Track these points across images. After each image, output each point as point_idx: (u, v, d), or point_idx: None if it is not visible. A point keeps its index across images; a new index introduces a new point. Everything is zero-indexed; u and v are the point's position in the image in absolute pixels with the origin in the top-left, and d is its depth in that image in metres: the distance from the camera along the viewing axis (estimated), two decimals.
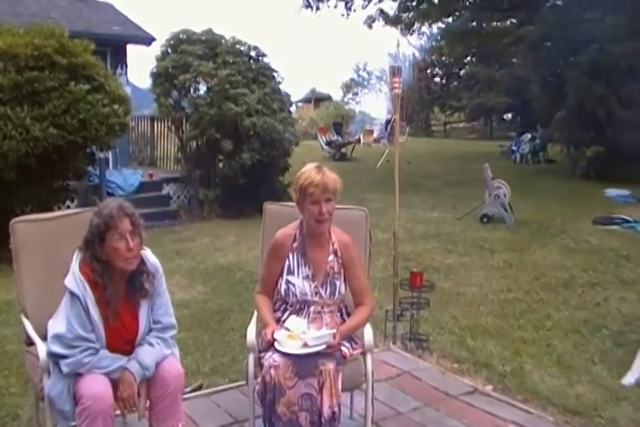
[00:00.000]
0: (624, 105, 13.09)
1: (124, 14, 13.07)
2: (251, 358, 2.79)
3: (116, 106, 7.28)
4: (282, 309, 2.92)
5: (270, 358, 2.61)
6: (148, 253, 2.68)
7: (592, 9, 13.94)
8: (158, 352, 2.60)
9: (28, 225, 3.02)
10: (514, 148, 19.74)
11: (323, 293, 2.86)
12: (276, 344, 2.65)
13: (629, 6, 13.52)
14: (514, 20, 20.60)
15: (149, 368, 2.54)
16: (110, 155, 10.38)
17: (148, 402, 2.59)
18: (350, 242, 2.94)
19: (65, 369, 2.46)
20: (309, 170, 2.82)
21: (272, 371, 2.55)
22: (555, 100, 15.94)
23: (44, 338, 2.63)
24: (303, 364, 2.57)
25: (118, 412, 2.57)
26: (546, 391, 3.71)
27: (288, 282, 2.87)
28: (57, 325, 2.52)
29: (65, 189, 7.77)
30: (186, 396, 3.17)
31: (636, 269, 6.67)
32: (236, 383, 3.68)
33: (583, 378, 3.93)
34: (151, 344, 2.60)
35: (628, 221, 9.06)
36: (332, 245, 2.91)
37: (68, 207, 8.21)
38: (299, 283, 2.85)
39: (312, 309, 2.86)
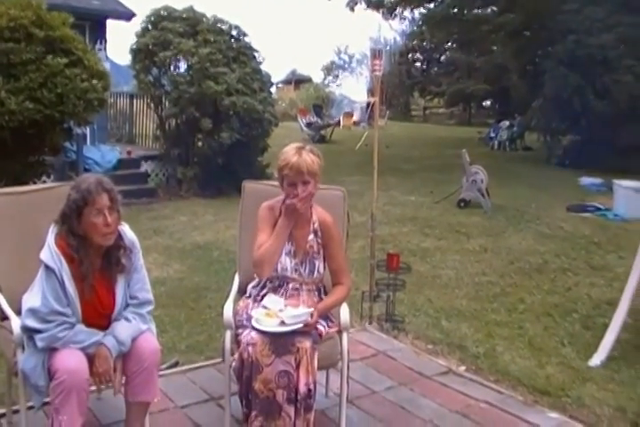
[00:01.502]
0: (599, 96, 13.22)
1: None
2: (227, 334, 2.80)
3: (94, 81, 7.19)
4: (260, 285, 2.92)
5: (248, 335, 2.61)
6: (125, 229, 2.66)
7: (570, 0, 14.03)
8: (135, 327, 2.59)
9: (2, 198, 2.99)
10: (492, 134, 19.86)
11: (302, 270, 2.86)
12: (253, 322, 2.65)
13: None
14: (494, 8, 20.61)
15: (126, 343, 2.54)
16: (88, 131, 10.23)
17: (123, 377, 2.59)
18: (331, 221, 2.94)
19: (40, 344, 2.44)
20: (288, 150, 2.80)
21: (250, 348, 2.56)
22: (532, 89, 16.12)
23: (18, 313, 2.61)
24: (280, 341, 2.58)
25: (94, 387, 2.58)
26: (517, 372, 3.78)
27: None
28: (32, 299, 2.49)
29: (41, 163, 7.67)
30: (161, 373, 3.17)
31: (605, 255, 6.79)
32: (212, 361, 3.70)
33: (553, 360, 4.01)
34: (128, 319, 2.60)
35: (599, 209, 9.20)
36: (313, 224, 2.91)
37: (44, 183, 8.12)
38: (281, 258, 2.84)
39: (290, 286, 2.86)
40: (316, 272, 2.89)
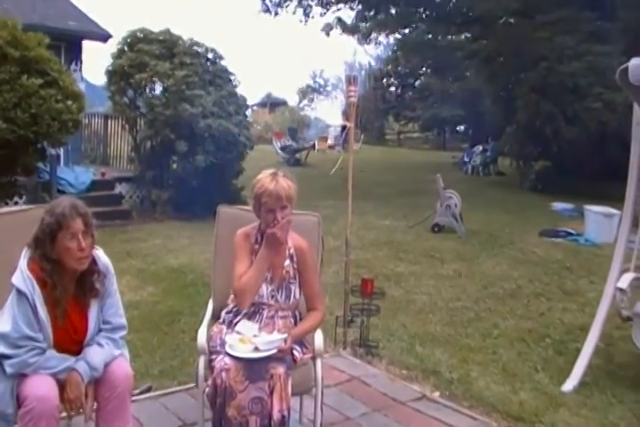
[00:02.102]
0: (570, 122, 13.46)
1: (81, 9, 12.84)
2: (201, 360, 2.77)
3: (69, 102, 7.18)
4: (235, 311, 2.90)
5: (222, 360, 2.60)
6: (99, 253, 2.64)
7: (542, 29, 14.34)
8: (107, 353, 2.56)
9: None
10: (466, 159, 20.06)
11: (278, 296, 2.87)
12: (227, 348, 2.64)
13: (577, 29, 13.96)
14: (468, 35, 20.99)
15: (98, 369, 2.50)
16: (62, 151, 10.17)
17: (95, 404, 2.55)
18: (306, 248, 2.96)
19: (9, 370, 2.39)
20: (264, 177, 2.81)
21: (223, 374, 2.54)
22: (506, 115, 16.32)
23: None
24: (254, 367, 2.57)
25: (64, 414, 2.52)
26: (491, 398, 3.79)
27: None
28: (2, 324, 2.44)
29: (13, 184, 7.61)
30: (134, 398, 3.11)
31: (577, 280, 6.88)
32: (186, 386, 3.66)
33: (526, 385, 4.03)
34: (100, 345, 2.56)
35: (571, 234, 9.31)
36: (289, 250, 2.92)
37: (16, 203, 8.05)
38: None
39: (265, 313, 2.85)
40: (292, 298, 2.89)
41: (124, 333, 2.70)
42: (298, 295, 2.91)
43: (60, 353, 2.48)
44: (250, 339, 2.65)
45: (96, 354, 2.52)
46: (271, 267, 2.87)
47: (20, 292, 2.42)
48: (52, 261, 2.46)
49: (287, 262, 2.91)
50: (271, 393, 2.56)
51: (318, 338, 2.92)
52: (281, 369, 2.60)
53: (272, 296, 2.86)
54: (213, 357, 2.69)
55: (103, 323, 2.62)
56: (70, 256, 2.45)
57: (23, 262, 2.48)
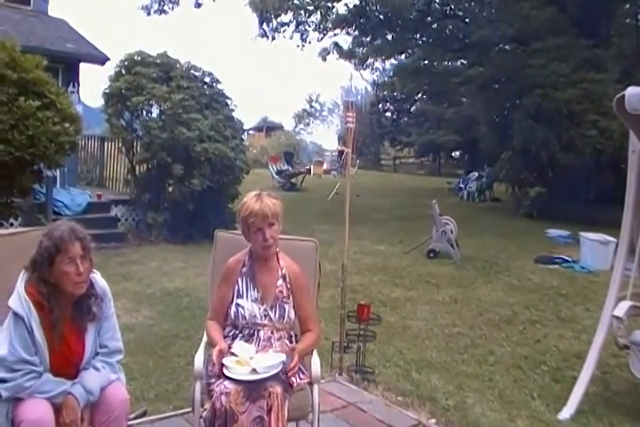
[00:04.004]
0: (565, 149, 13.55)
1: (79, 32, 12.94)
2: (197, 385, 2.76)
3: (66, 124, 7.19)
4: (232, 335, 2.90)
5: (221, 384, 2.59)
6: (97, 277, 2.63)
7: (537, 55, 14.53)
8: (104, 377, 2.55)
9: None
10: (461, 185, 20.15)
11: (272, 315, 2.89)
12: (225, 370, 2.63)
13: (572, 56, 14.15)
14: (464, 61, 21.23)
15: (94, 393, 2.48)
16: (58, 173, 10.17)
17: None
18: (299, 271, 3.00)
19: (4, 393, 2.37)
20: (248, 199, 2.90)
21: (223, 398, 2.53)
22: (501, 141, 16.44)
23: None
24: (253, 387, 2.58)
25: None
26: (487, 425, 3.77)
27: (237, 305, 2.89)
28: None
29: (9, 205, 7.58)
30: (129, 422, 3.08)
31: (573, 307, 6.86)
32: (181, 411, 3.63)
33: (523, 413, 4.00)
34: (97, 369, 2.55)
35: (567, 261, 9.32)
36: (281, 270, 2.97)
37: (12, 225, 8.03)
38: (247, 305, 2.88)
39: (262, 334, 2.86)
40: (286, 317, 2.91)
41: (120, 357, 2.69)
42: (292, 316, 2.94)
43: (56, 377, 2.46)
44: (247, 361, 2.65)
45: (92, 378, 2.51)
46: (262, 287, 2.92)
47: (16, 315, 2.41)
48: (50, 285, 2.45)
49: (280, 282, 2.95)
50: (269, 412, 2.55)
51: (315, 363, 2.91)
52: (278, 388, 2.60)
53: (265, 316, 2.89)
54: (212, 380, 2.68)
55: (100, 347, 2.61)
56: (68, 280, 2.44)
57: (21, 285, 2.48)
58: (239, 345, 2.81)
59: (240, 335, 2.88)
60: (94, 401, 2.50)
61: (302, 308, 2.96)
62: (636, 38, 17.26)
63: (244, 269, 2.95)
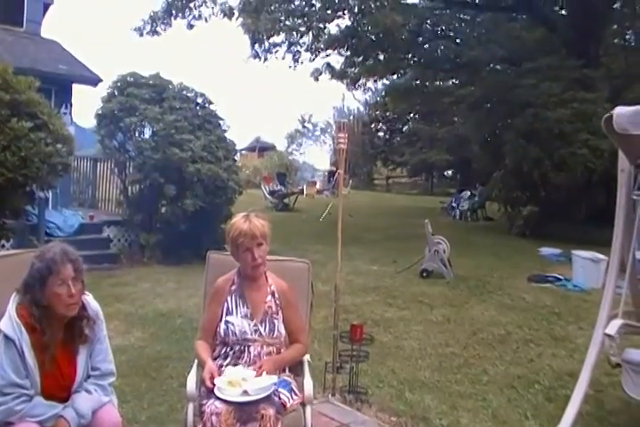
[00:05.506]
0: (556, 168, 13.63)
1: (71, 53, 13.01)
2: (190, 407, 2.75)
3: (59, 145, 7.21)
4: (223, 354, 2.92)
5: (212, 404, 2.60)
6: (89, 299, 2.63)
7: (528, 75, 14.68)
8: (96, 399, 2.54)
9: None
10: (454, 204, 20.16)
11: (262, 330, 2.92)
12: (216, 391, 2.62)
13: (562, 76, 14.31)
14: (455, 81, 21.43)
15: (86, 416, 2.47)
16: (51, 194, 10.15)
17: None
18: (287, 287, 3.07)
19: None
20: (237, 220, 2.96)
21: (213, 418, 2.54)
22: (493, 160, 16.52)
23: None
24: (245, 409, 2.58)
25: None
26: None
27: (227, 322, 2.93)
28: None
29: (1, 227, 7.56)
30: None
31: (566, 326, 6.85)
32: None
33: None
34: (89, 391, 2.54)
35: (559, 280, 9.32)
36: (270, 287, 3.03)
37: (3, 247, 8.01)
38: (237, 322, 2.91)
39: (252, 350, 2.89)
40: (276, 331, 2.95)
41: (112, 379, 2.68)
42: (282, 330, 2.98)
43: (47, 399, 2.46)
44: (239, 382, 2.66)
45: (84, 401, 2.50)
46: (251, 303, 2.97)
47: (7, 338, 2.41)
48: (42, 307, 2.45)
49: (269, 298, 3.01)
50: None
51: (308, 384, 2.91)
52: (271, 411, 2.61)
53: (255, 331, 2.92)
54: (204, 401, 2.68)
55: (92, 369, 2.60)
56: (60, 302, 2.44)
57: (12, 307, 2.47)
58: (229, 370, 2.81)
59: (231, 352, 2.90)
60: (86, 424, 2.49)
61: (291, 321, 3.02)
62: (625, 58, 17.52)
63: (233, 288, 3.01)
